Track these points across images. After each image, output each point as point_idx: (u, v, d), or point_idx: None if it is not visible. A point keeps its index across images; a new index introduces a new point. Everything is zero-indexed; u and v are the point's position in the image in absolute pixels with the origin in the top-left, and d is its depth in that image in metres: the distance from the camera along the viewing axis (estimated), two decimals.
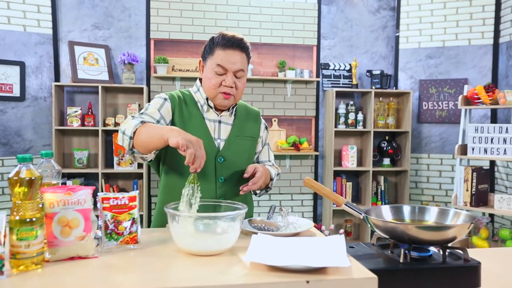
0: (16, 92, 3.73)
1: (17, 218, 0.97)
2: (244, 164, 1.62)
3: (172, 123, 1.57)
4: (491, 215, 3.93)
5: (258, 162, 1.75)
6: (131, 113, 3.94)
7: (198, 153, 1.24)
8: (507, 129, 3.39)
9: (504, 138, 3.40)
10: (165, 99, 1.58)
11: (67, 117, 3.84)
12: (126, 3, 4.07)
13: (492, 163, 4.05)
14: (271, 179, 1.69)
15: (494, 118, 4.10)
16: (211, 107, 1.61)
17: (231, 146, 1.61)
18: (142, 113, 1.53)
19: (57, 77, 3.94)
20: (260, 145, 1.76)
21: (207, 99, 1.60)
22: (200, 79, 1.65)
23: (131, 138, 1.40)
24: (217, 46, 1.54)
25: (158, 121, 1.52)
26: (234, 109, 1.66)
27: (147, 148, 1.40)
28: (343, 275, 0.94)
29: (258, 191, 1.70)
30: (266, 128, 1.80)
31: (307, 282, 0.91)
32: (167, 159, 1.59)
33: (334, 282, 0.92)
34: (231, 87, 1.54)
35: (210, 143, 1.58)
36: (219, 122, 1.62)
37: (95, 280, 0.94)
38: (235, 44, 1.54)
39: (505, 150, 3.40)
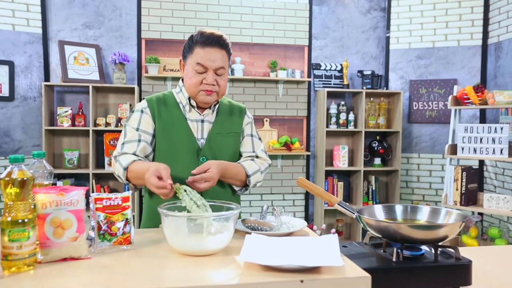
0: (5, 92, 3.69)
1: (9, 219, 0.96)
2: (228, 161, 1.61)
3: (155, 128, 1.58)
4: (481, 214, 3.98)
5: (240, 155, 1.70)
6: (122, 114, 3.92)
7: (158, 192, 1.31)
8: (495, 129, 3.44)
9: (492, 138, 3.45)
10: (142, 111, 1.59)
11: (57, 117, 3.81)
12: (117, 2, 4.04)
13: (481, 162, 4.10)
14: (248, 176, 1.60)
15: (483, 118, 4.15)
16: (193, 106, 1.60)
17: (211, 145, 1.59)
18: (123, 144, 1.56)
19: (47, 77, 3.90)
20: (242, 136, 1.71)
21: (189, 98, 1.60)
22: (183, 79, 1.64)
23: (129, 183, 1.52)
24: (196, 44, 1.53)
25: (139, 140, 1.55)
26: (216, 106, 1.64)
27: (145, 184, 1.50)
28: (336, 275, 0.95)
29: (237, 189, 1.64)
30: (252, 121, 1.75)
31: (301, 281, 0.91)
32: (158, 159, 1.59)
33: (328, 281, 0.92)
34: (213, 84, 1.54)
35: (193, 144, 1.58)
36: (202, 121, 1.61)
37: (88, 281, 0.93)
38: (214, 41, 1.52)
39: (493, 150, 3.44)
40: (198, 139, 1.59)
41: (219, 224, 1.14)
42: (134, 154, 1.53)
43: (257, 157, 1.69)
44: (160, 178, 1.30)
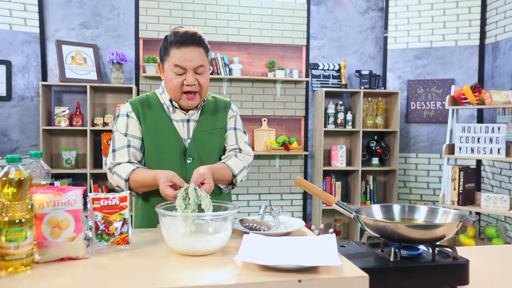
0: (2, 92, 3.68)
1: (6, 219, 0.95)
2: (216, 158, 1.61)
3: (142, 131, 1.57)
4: (478, 214, 3.99)
5: (224, 149, 1.67)
6: None
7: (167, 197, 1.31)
8: (493, 129, 3.45)
9: (490, 138, 3.45)
10: (127, 115, 1.57)
11: (55, 117, 3.80)
12: (115, 2, 4.04)
13: (479, 162, 4.11)
14: (235, 176, 1.57)
15: (480, 118, 4.16)
16: (176, 107, 1.58)
17: (197, 144, 1.58)
18: (113, 151, 1.54)
19: (44, 77, 3.89)
20: (226, 130, 1.68)
21: (170, 100, 1.57)
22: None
23: (131, 192, 1.50)
24: (171, 45, 1.49)
25: (128, 146, 1.53)
26: (201, 105, 1.61)
27: (151, 190, 1.50)
28: (334, 274, 0.95)
29: (222, 187, 1.62)
30: (237, 114, 1.70)
31: (299, 281, 0.91)
32: (146, 163, 1.60)
33: (325, 281, 0.92)
34: (194, 84, 1.50)
35: (180, 145, 1.56)
36: (188, 121, 1.59)
37: (85, 281, 0.93)
38: (189, 40, 1.48)
39: (491, 150, 3.45)
40: (184, 139, 1.58)
41: (217, 224, 1.14)
42: (129, 162, 1.52)
43: (240, 150, 1.65)
44: (173, 186, 1.32)
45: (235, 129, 1.68)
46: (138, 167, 1.51)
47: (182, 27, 1.55)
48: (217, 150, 1.63)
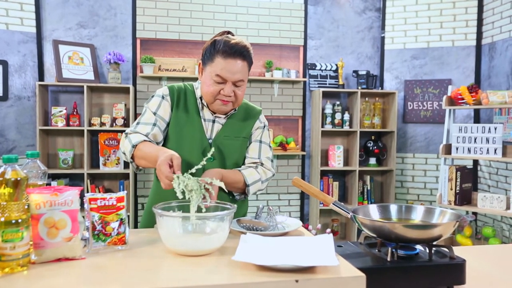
0: None
1: (2, 219, 0.95)
2: (233, 165, 1.60)
3: (171, 117, 1.57)
4: (475, 214, 4.00)
5: (245, 158, 1.66)
6: (117, 114, 3.90)
7: (163, 180, 1.26)
8: (489, 129, 3.46)
9: (486, 138, 3.47)
10: (163, 98, 1.58)
11: (52, 117, 3.79)
12: (112, 2, 4.03)
13: (475, 162, 4.12)
14: (247, 185, 1.56)
15: (477, 118, 4.18)
16: (205, 105, 1.58)
17: (217, 146, 1.58)
18: (138, 123, 1.55)
19: (41, 77, 3.88)
20: (250, 141, 1.66)
21: (201, 97, 1.58)
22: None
23: (132, 161, 1.49)
24: (218, 53, 1.47)
25: (154, 124, 1.53)
26: (230, 114, 1.61)
27: (149, 167, 1.48)
28: (331, 274, 0.95)
29: (235, 194, 1.61)
30: (265, 126, 1.69)
31: (296, 281, 0.91)
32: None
33: (323, 281, 0.93)
34: (230, 96, 1.49)
35: (203, 142, 1.56)
36: (213, 121, 1.59)
37: (82, 281, 0.93)
38: (237, 52, 1.47)
39: (487, 150, 3.46)
40: (207, 138, 1.58)
41: (214, 224, 1.14)
42: (146, 136, 1.51)
43: (261, 164, 1.63)
44: (171, 166, 1.28)
45: (260, 142, 1.66)
46: (151, 141, 1.50)
47: (233, 34, 1.54)
48: (236, 157, 1.61)
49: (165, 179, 1.25)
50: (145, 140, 1.48)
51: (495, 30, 3.97)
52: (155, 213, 1.14)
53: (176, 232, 1.12)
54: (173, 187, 1.21)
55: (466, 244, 3.59)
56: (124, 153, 1.51)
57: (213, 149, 1.40)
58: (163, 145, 1.58)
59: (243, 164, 1.65)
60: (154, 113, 1.55)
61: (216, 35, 1.54)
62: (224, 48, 1.46)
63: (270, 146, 1.69)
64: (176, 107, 1.57)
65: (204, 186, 1.18)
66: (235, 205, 1.21)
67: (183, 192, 1.16)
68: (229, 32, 1.55)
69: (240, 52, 1.47)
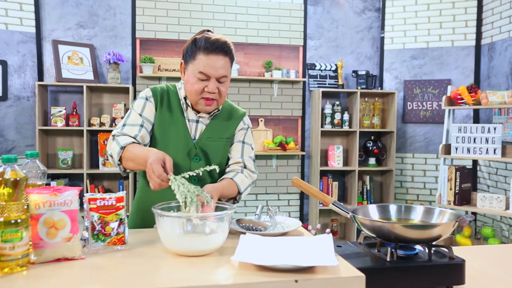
0: None
1: (2, 219, 0.95)
2: (217, 165, 1.57)
3: (155, 119, 1.57)
4: (474, 214, 4.00)
5: (228, 159, 1.66)
6: (116, 114, 3.90)
7: (154, 180, 1.25)
8: (489, 129, 3.46)
9: (486, 138, 3.47)
10: (147, 99, 1.57)
11: (51, 117, 3.79)
12: (111, 2, 4.03)
13: (475, 162, 4.12)
14: (240, 193, 1.57)
15: (476, 118, 4.18)
16: (189, 105, 1.59)
17: (201, 147, 1.58)
18: (124, 125, 1.53)
19: (40, 77, 3.88)
20: (233, 142, 1.67)
21: (185, 98, 1.58)
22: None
23: (120, 164, 1.48)
24: (200, 50, 1.48)
25: (141, 126, 1.52)
26: (214, 113, 1.61)
27: (137, 170, 1.49)
28: (331, 274, 0.95)
29: (224, 200, 1.58)
30: (248, 128, 1.70)
31: (296, 281, 0.91)
32: None
33: (322, 281, 0.93)
34: (214, 93, 1.50)
35: (188, 142, 1.56)
36: (197, 121, 1.60)
37: (82, 282, 0.93)
38: (219, 48, 1.47)
39: (487, 150, 3.46)
40: (191, 139, 1.59)
41: (214, 224, 1.14)
42: (135, 138, 1.50)
43: (244, 166, 1.64)
44: (163, 167, 1.28)
45: (243, 142, 1.67)
46: (139, 143, 1.50)
47: (212, 32, 1.54)
48: (220, 158, 1.62)
49: (157, 179, 1.25)
50: (133, 142, 1.48)
51: (494, 30, 3.97)
52: (154, 214, 1.14)
53: (176, 233, 1.12)
54: (161, 188, 1.25)
55: (465, 244, 3.59)
56: (112, 156, 1.49)
57: (201, 169, 1.37)
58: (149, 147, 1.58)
59: (227, 164, 1.66)
60: (140, 115, 1.54)
61: (196, 34, 1.55)
62: (206, 44, 1.47)
63: (252, 148, 1.70)
64: (160, 108, 1.57)
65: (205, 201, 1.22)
66: (235, 206, 1.21)
67: (183, 194, 1.17)
68: (208, 31, 1.56)
69: (221, 48, 1.48)
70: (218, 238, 1.12)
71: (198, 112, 1.59)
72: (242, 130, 1.68)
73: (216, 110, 1.60)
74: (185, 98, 1.58)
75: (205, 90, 1.50)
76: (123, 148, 1.45)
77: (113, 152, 1.47)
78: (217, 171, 1.48)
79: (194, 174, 1.29)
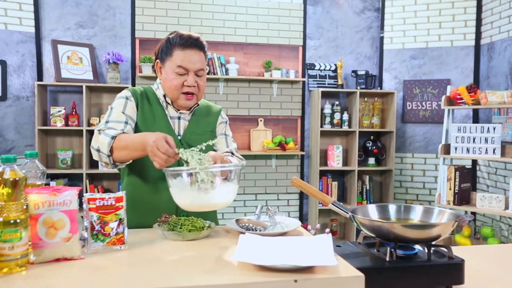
0: None
1: (1, 219, 0.95)
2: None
3: (136, 121, 1.56)
4: (473, 213, 4.00)
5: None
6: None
7: (160, 156, 1.25)
8: (488, 129, 3.46)
9: (485, 138, 3.47)
10: (127, 98, 1.57)
11: (51, 117, 3.79)
12: (111, 2, 4.02)
13: (474, 162, 4.12)
14: None
15: (476, 118, 4.18)
16: (169, 103, 1.61)
17: (187, 143, 1.59)
18: (107, 122, 1.50)
19: (40, 76, 3.88)
20: (217, 135, 1.72)
21: (164, 96, 1.60)
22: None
23: (109, 155, 1.41)
24: (176, 46, 1.54)
25: (126, 123, 1.51)
26: (193, 108, 1.64)
27: (129, 159, 1.46)
28: (330, 274, 0.95)
29: None
30: (227, 122, 1.76)
31: (295, 281, 0.91)
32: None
33: (321, 281, 0.93)
34: (194, 86, 1.55)
35: (174, 139, 1.56)
36: (178, 118, 1.63)
37: (81, 282, 0.92)
38: (193, 43, 1.55)
39: (486, 150, 3.47)
40: (176, 135, 1.61)
41: (224, 180, 1.24)
42: (122, 132, 1.47)
43: (232, 154, 1.68)
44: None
45: (226, 135, 1.74)
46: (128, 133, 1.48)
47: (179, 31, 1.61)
48: (206, 152, 1.62)
49: (163, 155, 1.24)
50: (123, 132, 1.46)
51: (494, 30, 3.97)
52: (165, 174, 1.26)
53: (188, 190, 1.20)
54: (167, 165, 1.26)
55: (464, 244, 3.59)
56: (99, 149, 1.42)
57: (215, 140, 1.45)
58: None
59: None
60: (123, 112, 1.53)
61: (168, 35, 1.62)
62: (181, 41, 1.55)
63: (233, 140, 1.78)
64: (141, 107, 1.58)
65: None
66: (244, 161, 1.24)
67: (199, 160, 1.23)
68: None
69: (196, 43, 1.56)
70: (228, 190, 1.23)
71: (179, 108, 1.61)
72: (222, 124, 1.74)
73: (195, 105, 1.65)
74: (164, 96, 1.61)
75: (184, 84, 1.55)
76: (114, 137, 1.40)
77: (102, 144, 1.41)
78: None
79: (197, 149, 1.30)
